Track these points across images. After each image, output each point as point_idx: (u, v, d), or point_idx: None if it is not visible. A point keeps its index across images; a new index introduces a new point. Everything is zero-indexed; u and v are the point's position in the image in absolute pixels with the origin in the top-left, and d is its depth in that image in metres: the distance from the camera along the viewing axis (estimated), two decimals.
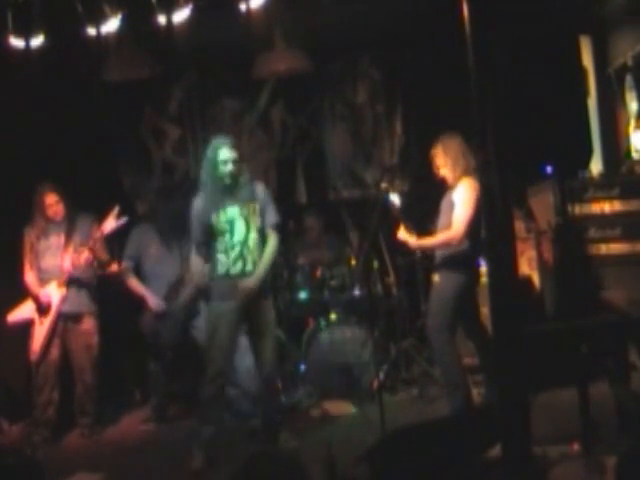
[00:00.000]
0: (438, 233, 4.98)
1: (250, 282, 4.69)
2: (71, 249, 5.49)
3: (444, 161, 5.03)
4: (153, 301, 5.69)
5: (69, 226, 5.56)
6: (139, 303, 5.80)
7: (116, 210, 5.36)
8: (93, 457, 5.19)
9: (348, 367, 5.72)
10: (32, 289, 5.51)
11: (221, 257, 4.72)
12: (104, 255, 5.54)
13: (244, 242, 4.72)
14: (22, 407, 5.79)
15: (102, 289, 5.83)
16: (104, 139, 6.96)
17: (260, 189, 4.87)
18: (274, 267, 6.07)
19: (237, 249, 4.71)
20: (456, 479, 3.53)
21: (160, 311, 5.65)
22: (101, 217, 5.46)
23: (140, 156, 7.27)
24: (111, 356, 6.16)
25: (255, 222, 4.76)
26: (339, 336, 5.86)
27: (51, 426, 5.52)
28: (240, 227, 4.72)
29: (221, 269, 4.73)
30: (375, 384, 5.43)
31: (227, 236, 4.71)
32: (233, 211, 4.71)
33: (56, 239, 5.54)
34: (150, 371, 5.88)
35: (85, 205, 5.75)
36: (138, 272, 5.85)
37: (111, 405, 6.15)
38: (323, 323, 5.99)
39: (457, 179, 4.96)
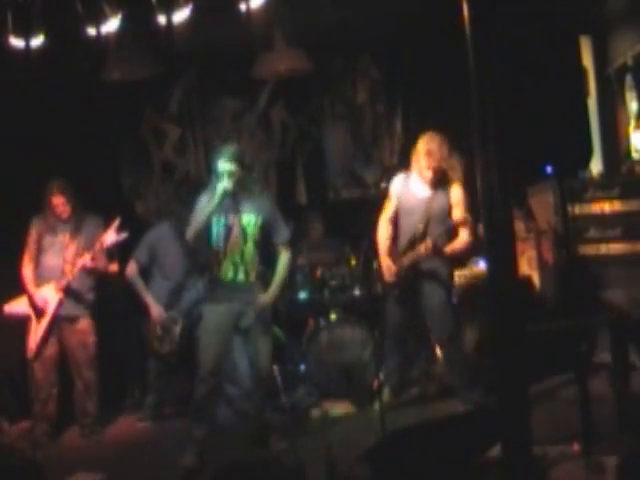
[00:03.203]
0: (436, 234, 5.06)
1: (264, 299, 4.74)
2: (74, 250, 5.48)
3: (446, 157, 5.07)
4: (155, 310, 5.69)
5: (75, 226, 5.55)
6: (142, 308, 5.79)
7: (117, 222, 5.36)
8: (93, 457, 5.20)
9: (348, 367, 5.72)
10: (28, 287, 5.49)
11: (214, 261, 4.73)
12: (102, 263, 5.55)
13: (238, 252, 4.69)
14: (23, 403, 5.77)
15: (103, 289, 5.84)
16: (104, 139, 6.96)
17: (268, 203, 4.88)
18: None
19: (229, 257, 4.69)
20: (456, 479, 3.53)
21: (161, 321, 5.65)
22: (105, 221, 5.47)
23: (140, 156, 7.27)
24: (111, 356, 6.18)
25: (254, 234, 4.73)
26: (339, 336, 5.85)
27: (52, 421, 5.54)
28: (236, 236, 4.69)
29: (214, 273, 4.75)
30: (375, 384, 5.43)
31: (221, 242, 4.69)
32: (232, 219, 4.69)
33: (61, 238, 5.54)
34: (149, 369, 5.89)
35: (85, 205, 5.74)
36: (143, 272, 5.85)
37: (111, 405, 6.15)
38: (323, 323, 5.99)
39: (456, 180, 5.09)
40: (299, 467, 3.89)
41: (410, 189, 5.23)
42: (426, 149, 5.11)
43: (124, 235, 5.41)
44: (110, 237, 5.36)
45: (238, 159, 4.64)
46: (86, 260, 5.39)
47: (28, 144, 6.18)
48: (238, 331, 4.83)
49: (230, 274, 4.70)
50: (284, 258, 4.86)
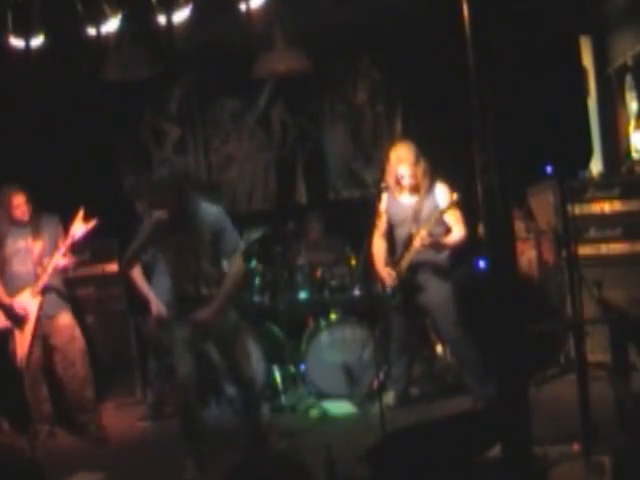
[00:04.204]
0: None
1: (204, 314, 4.55)
2: (39, 252, 5.39)
3: (415, 169, 5.12)
4: (156, 306, 5.66)
5: (35, 229, 5.43)
6: (143, 307, 5.77)
7: (81, 212, 5.26)
8: (93, 457, 5.19)
9: (348, 367, 5.72)
10: (2, 299, 5.38)
11: (173, 281, 4.69)
12: (72, 258, 5.46)
13: (194, 269, 4.59)
14: (21, 404, 5.77)
15: (103, 287, 5.82)
16: (104, 139, 6.96)
17: (211, 215, 4.61)
18: (274, 268, 6.11)
19: (187, 275, 4.62)
20: (456, 479, 3.53)
21: (161, 317, 5.63)
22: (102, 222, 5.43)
23: (140, 156, 7.28)
24: (111, 355, 6.18)
25: (205, 251, 4.59)
26: (339, 336, 5.86)
27: (50, 421, 5.54)
28: (186, 257, 4.59)
29: (174, 292, 4.70)
30: (375, 384, 5.44)
31: (174, 262, 4.63)
32: (177, 241, 4.58)
33: (24, 243, 5.42)
34: (150, 368, 5.88)
35: (86, 205, 5.72)
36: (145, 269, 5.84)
37: (110, 404, 6.15)
38: (323, 323, 5.99)
39: (433, 183, 5.13)
40: (304, 467, 3.89)
41: (398, 201, 5.26)
42: (397, 157, 5.15)
43: (92, 223, 5.28)
44: (79, 228, 5.24)
45: (171, 186, 4.48)
46: (58, 260, 5.31)
47: (27, 143, 6.18)
48: (211, 339, 4.79)
49: (191, 290, 4.62)
50: (232, 269, 4.63)
